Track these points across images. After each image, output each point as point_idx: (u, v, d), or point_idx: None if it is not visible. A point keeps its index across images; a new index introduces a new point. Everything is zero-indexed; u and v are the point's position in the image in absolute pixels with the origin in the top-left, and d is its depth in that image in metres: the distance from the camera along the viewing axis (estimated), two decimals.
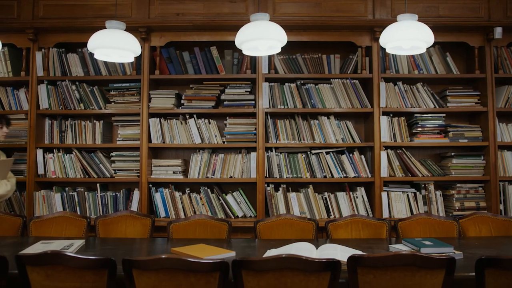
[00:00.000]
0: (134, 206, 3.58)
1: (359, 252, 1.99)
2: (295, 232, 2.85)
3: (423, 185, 3.61)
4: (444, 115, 3.65)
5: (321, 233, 3.27)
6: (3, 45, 3.67)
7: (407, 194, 3.57)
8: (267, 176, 3.56)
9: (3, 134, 3.31)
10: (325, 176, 3.57)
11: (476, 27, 3.56)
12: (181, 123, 3.65)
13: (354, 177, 3.58)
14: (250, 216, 3.60)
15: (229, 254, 2.21)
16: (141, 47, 3.41)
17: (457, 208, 3.54)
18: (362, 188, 3.61)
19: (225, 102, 3.64)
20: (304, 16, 3.57)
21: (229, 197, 3.61)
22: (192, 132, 3.62)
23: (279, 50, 2.56)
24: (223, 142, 3.64)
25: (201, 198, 3.61)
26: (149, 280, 1.71)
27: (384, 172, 3.52)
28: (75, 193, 3.62)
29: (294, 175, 3.58)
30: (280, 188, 3.58)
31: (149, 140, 3.62)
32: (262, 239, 2.83)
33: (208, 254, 2.16)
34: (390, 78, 3.66)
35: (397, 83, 3.66)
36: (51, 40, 3.64)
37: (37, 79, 3.63)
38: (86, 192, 3.63)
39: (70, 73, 3.69)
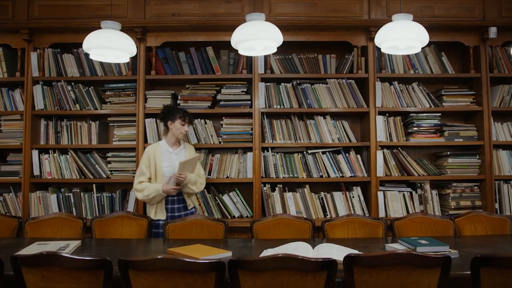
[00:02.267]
0: (130, 207, 3.57)
1: (355, 252, 2.00)
2: (291, 231, 2.86)
3: (419, 185, 3.62)
4: (440, 114, 3.67)
5: (317, 233, 3.27)
6: None
7: (403, 194, 3.58)
8: (264, 176, 3.56)
9: (182, 132, 3.14)
10: (321, 176, 3.58)
11: (471, 27, 3.57)
12: None
13: (350, 176, 3.58)
14: (247, 216, 3.60)
15: (225, 254, 2.21)
16: (137, 47, 3.42)
17: (452, 207, 3.55)
18: (358, 188, 3.62)
19: (221, 102, 3.64)
20: (300, 16, 3.57)
21: (225, 197, 3.61)
22: (188, 132, 3.62)
23: (275, 50, 2.56)
24: (219, 142, 3.64)
25: (197, 198, 3.61)
26: (146, 281, 1.71)
27: (380, 171, 3.53)
28: (71, 194, 3.61)
29: (291, 175, 3.58)
30: (277, 188, 3.58)
31: (145, 141, 3.61)
32: (258, 239, 2.83)
33: (204, 254, 2.16)
34: (386, 78, 3.67)
35: (393, 82, 3.67)
36: (46, 41, 3.63)
37: (32, 79, 3.62)
38: (82, 193, 3.61)
39: (66, 74, 3.68)
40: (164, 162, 3.10)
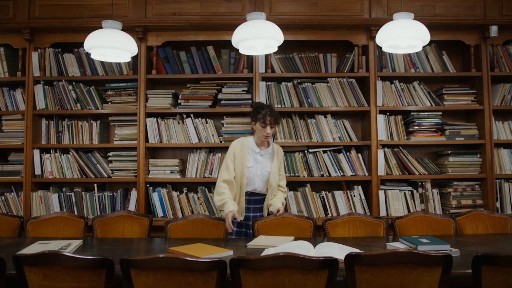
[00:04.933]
0: (132, 206, 3.58)
1: (357, 250, 2.00)
2: (293, 230, 2.85)
3: (420, 183, 3.62)
4: (441, 113, 3.67)
5: (318, 232, 3.27)
6: None
7: (404, 192, 3.58)
8: None
9: (264, 134, 2.89)
10: (322, 175, 3.58)
11: (472, 26, 3.57)
12: (178, 123, 3.65)
13: (351, 175, 3.59)
14: None
15: (227, 253, 2.21)
16: (138, 46, 3.40)
17: (454, 206, 3.55)
18: (360, 187, 3.62)
19: (222, 102, 3.64)
20: (300, 15, 3.57)
21: None
22: (189, 132, 3.62)
23: (275, 49, 2.56)
24: (220, 141, 3.64)
25: (198, 198, 3.61)
26: (147, 280, 1.71)
27: (381, 170, 3.53)
28: (72, 194, 3.61)
29: (292, 174, 3.58)
30: None
31: (146, 140, 3.62)
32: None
33: (206, 253, 2.16)
34: (387, 76, 3.67)
35: (394, 81, 3.67)
36: (47, 40, 3.63)
37: (33, 79, 3.62)
38: (83, 192, 3.62)
39: (67, 73, 3.68)
40: (248, 162, 2.92)
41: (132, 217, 3.00)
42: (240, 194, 2.94)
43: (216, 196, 2.91)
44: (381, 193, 3.53)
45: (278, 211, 2.90)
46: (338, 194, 3.60)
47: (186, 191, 3.64)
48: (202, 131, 3.63)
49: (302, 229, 2.87)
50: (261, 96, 3.56)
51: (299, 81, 3.66)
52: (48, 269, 1.75)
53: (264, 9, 3.53)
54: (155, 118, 3.63)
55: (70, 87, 3.66)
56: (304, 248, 2.15)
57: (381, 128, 3.57)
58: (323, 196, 3.60)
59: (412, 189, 3.60)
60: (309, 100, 3.62)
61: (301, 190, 3.59)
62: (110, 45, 2.55)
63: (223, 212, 2.84)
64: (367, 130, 3.67)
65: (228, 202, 2.82)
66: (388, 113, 3.64)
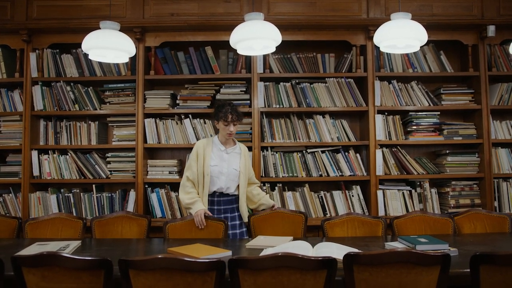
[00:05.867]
0: (130, 207, 3.57)
1: (355, 250, 2.00)
2: (286, 224, 2.96)
3: (418, 183, 3.62)
4: (439, 113, 3.67)
5: (317, 232, 3.29)
6: None
7: (403, 192, 3.59)
8: (263, 175, 3.56)
9: (228, 132, 2.89)
10: (321, 175, 3.58)
11: (470, 26, 3.58)
12: (177, 123, 3.65)
13: (350, 175, 3.59)
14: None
15: (225, 254, 2.21)
16: (136, 47, 3.41)
17: (452, 205, 3.56)
18: (358, 187, 3.62)
19: None
20: (298, 16, 3.57)
21: None
22: (187, 132, 3.62)
23: (274, 49, 2.56)
24: None
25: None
26: (146, 280, 1.71)
27: (379, 170, 3.54)
28: (70, 194, 3.61)
29: (290, 174, 3.58)
30: (276, 187, 3.58)
31: (145, 141, 3.61)
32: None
33: (204, 253, 2.17)
34: (385, 76, 3.67)
35: (392, 81, 3.68)
36: (45, 41, 3.63)
37: (31, 80, 3.62)
38: (81, 193, 3.62)
39: (65, 74, 3.68)
40: (212, 160, 2.90)
41: (131, 218, 2.99)
42: (202, 194, 2.91)
43: (184, 194, 2.91)
44: (380, 193, 3.53)
45: (273, 206, 3.03)
46: (337, 194, 3.60)
47: None
48: (201, 132, 3.63)
49: (295, 222, 2.96)
50: (259, 96, 3.56)
51: (297, 81, 3.66)
52: (47, 270, 1.75)
53: (262, 10, 3.53)
54: (153, 119, 3.63)
55: (68, 88, 3.66)
56: (302, 248, 2.15)
57: (379, 128, 3.57)
58: (321, 196, 3.60)
59: (411, 188, 3.61)
60: (307, 100, 3.62)
61: (300, 190, 3.59)
62: (108, 46, 2.54)
63: (191, 210, 2.86)
64: (365, 130, 3.67)
65: (199, 201, 2.87)
66: (386, 113, 3.65)
